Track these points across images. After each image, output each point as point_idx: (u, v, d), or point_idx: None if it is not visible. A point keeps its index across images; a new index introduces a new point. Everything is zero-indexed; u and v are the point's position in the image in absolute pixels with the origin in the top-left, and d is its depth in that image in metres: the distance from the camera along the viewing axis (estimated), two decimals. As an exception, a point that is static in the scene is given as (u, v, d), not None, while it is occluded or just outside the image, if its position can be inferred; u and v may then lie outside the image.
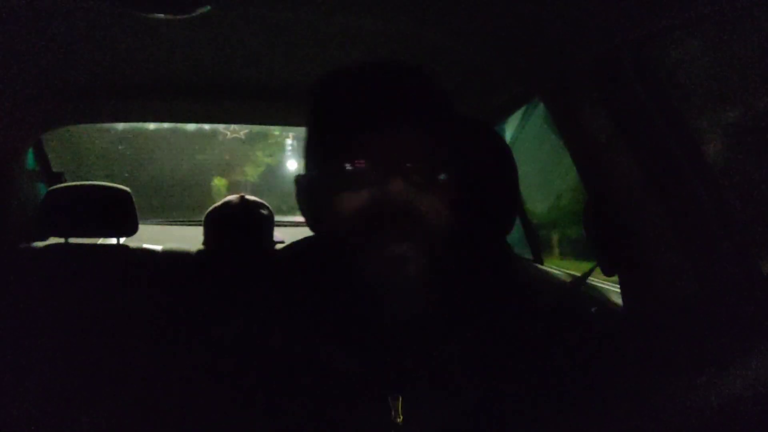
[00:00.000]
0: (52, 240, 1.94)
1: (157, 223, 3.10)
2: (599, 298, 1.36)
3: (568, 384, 0.67)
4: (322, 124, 0.66)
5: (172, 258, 1.91)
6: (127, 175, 3.58)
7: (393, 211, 0.58)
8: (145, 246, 1.95)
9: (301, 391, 0.62)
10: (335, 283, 0.65)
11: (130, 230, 1.91)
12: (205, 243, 1.91)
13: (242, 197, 1.93)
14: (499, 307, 0.71)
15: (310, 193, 0.67)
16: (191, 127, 3.79)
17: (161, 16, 1.10)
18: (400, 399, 0.62)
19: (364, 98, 0.62)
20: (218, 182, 4.16)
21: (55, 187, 1.96)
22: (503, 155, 0.94)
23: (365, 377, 0.63)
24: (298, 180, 0.70)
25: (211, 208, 1.93)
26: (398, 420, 0.62)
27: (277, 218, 2.02)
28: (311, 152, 0.67)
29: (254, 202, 1.93)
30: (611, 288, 1.35)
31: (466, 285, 0.72)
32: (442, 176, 0.61)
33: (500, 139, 0.98)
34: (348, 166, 0.60)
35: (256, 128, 4.11)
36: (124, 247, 1.92)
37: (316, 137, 0.66)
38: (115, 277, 1.80)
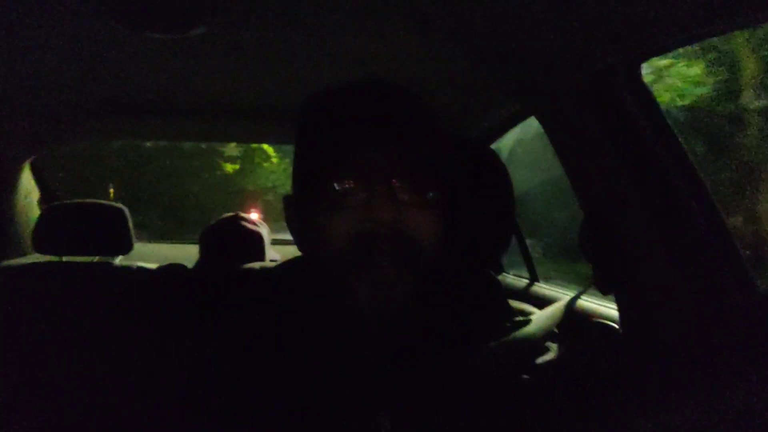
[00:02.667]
0: (47, 258, 1.93)
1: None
2: (595, 316, 1.35)
3: (561, 402, 0.66)
4: (309, 144, 0.66)
5: (163, 275, 1.90)
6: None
7: (380, 232, 0.58)
8: (139, 264, 1.93)
9: (289, 409, 0.61)
10: (323, 304, 0.65)
11: (126, 248, 1.90)
12: (199, 261, 1.90)
13: (237, 215, 1.92)
14: (487, 328, 0.71)
15: (298, 213, 0.67)
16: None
17: (155, 35, 1.11)
18: (390, 417, 0.62)
19: (350, 119, 0.62)
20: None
21: (50, 204, 1.96)
22: (498, 174, 0.93)
23: (353, 395, 0.63)
24: (287, 200, 0.70)
25: (206, 226, 1.92)
26: None
27: (274, 236, 2.01)
28: (299, 172, 0.67)
29: (249, 220, 1.93)
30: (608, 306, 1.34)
31: (455, 305, 0.71)
32: (430, 194, 0.61)
33: (495, 157, 0.98)
34: (335, 186, 0.60)
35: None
36: (117, 265, 1.90)
37: (303, 157, 0.67)
38: (106, 295, 1.78)
